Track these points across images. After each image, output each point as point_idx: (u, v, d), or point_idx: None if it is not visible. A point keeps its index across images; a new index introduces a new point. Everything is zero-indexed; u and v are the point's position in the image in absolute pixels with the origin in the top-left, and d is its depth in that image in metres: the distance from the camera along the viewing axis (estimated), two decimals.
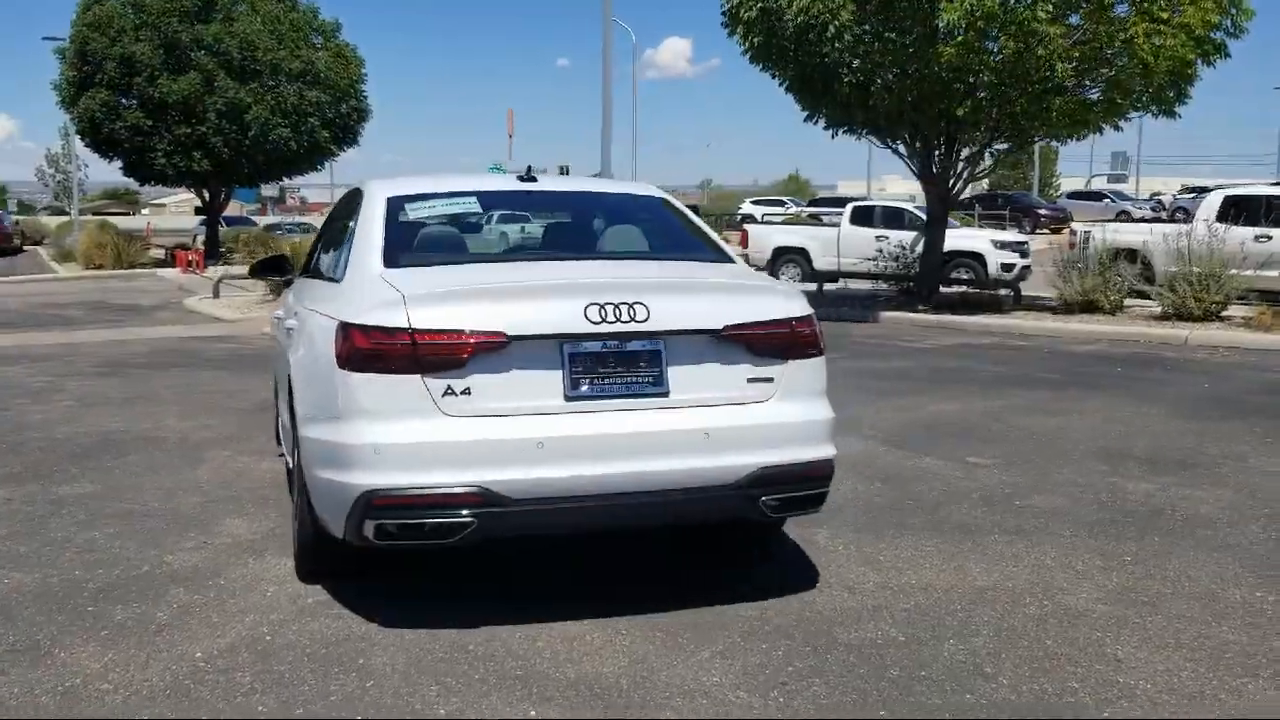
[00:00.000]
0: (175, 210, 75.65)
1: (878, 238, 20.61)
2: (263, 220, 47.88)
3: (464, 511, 3.80)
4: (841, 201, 35.87)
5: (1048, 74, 13.83)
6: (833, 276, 19.79)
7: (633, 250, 4.91)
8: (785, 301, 4.28)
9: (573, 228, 5.38)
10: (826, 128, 16.96)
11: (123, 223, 45.81)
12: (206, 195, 31.68)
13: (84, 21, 27.84)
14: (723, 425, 4.03)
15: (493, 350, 3.85)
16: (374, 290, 4.11)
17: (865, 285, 18.84)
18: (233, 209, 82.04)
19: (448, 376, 3.84)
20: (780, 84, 16.03)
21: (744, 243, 24.09)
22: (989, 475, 6.40)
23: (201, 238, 32.36)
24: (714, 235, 5.04)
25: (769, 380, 4.16)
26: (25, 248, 40.88)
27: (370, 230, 4.64)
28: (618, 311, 3.93)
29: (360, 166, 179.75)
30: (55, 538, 5.22)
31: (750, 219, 41.99)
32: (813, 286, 18.95)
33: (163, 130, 28.06)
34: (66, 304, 19.50)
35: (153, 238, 35.65)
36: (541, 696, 3.51)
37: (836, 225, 23.18)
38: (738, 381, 4.12)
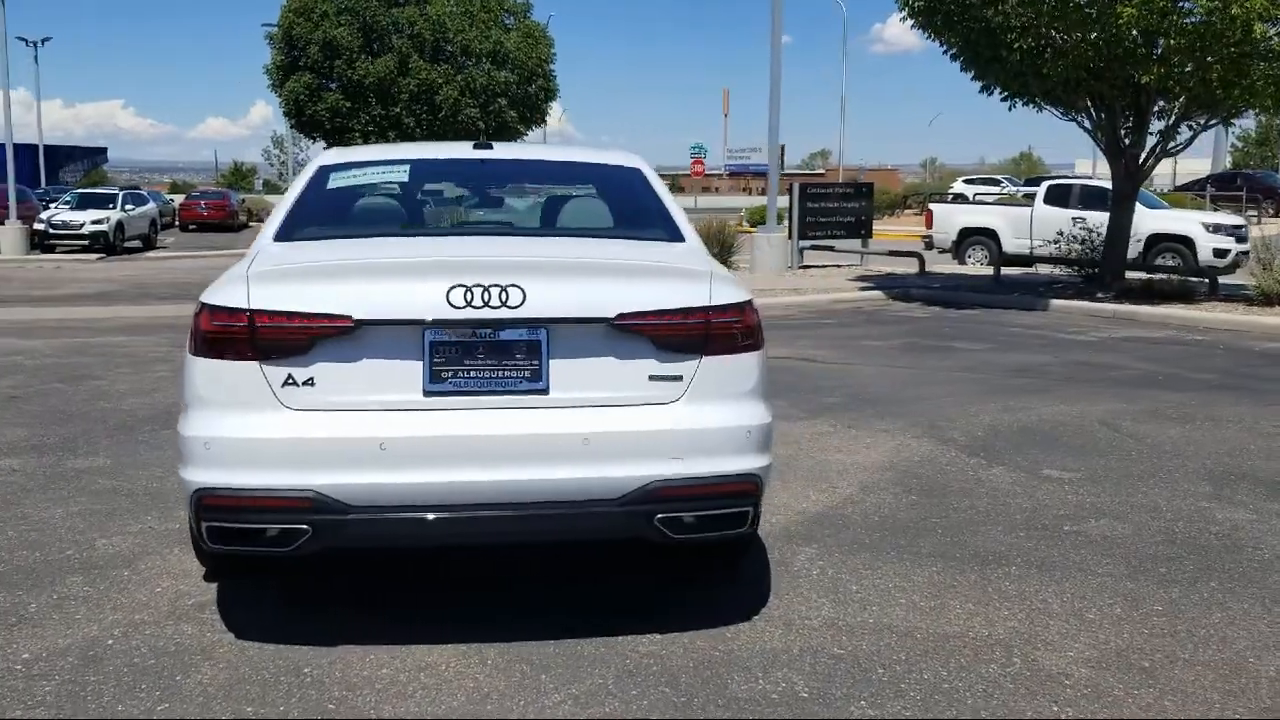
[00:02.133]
0: None
1: (1074, 219, 18.99)
2: None
3: (300, 518, 3.35)
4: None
5: (1244, 35, 12.18)
6: (1026, 260, 18.28)
7: (577, 227, 4.34)
8: (700, 287, 3.60)
9: (520, 201, 4.84)
10: (1004, 99, 15.62)
11: None
12: None
13: (291, 8, 29.07)
14: (608, 430, 3.43)
15: (340, 336, 3.38)
16: (243, 266, 3.72)
17: (1055, 270, 17.37)
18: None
19: (289, 364, 3.39)
20: (945, 51, 14.85)
21: (928, 223, 22.83)
22: (1055, 492, 5.48)
23: None
24: (677, 213, 4.37)
25: (676, 379, 3.52)
26: (251, 224, 43.35)
27: (285, 200, 4.27)
28: (487, 295, 3.38)
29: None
30: (15, 514, 5.11)
31: (962, 198, 39.96)
32: (986, 270, 17.64)
33: (360, 111, 29.00)
34: None
35: None
36: None
37: (1029, 205, 21.62)
38: (637, 380, 3.50)
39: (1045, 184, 21.90)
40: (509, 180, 4.97)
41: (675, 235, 4.18)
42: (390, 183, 4.55)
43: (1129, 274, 15.44)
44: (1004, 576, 4.27)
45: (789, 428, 6.99)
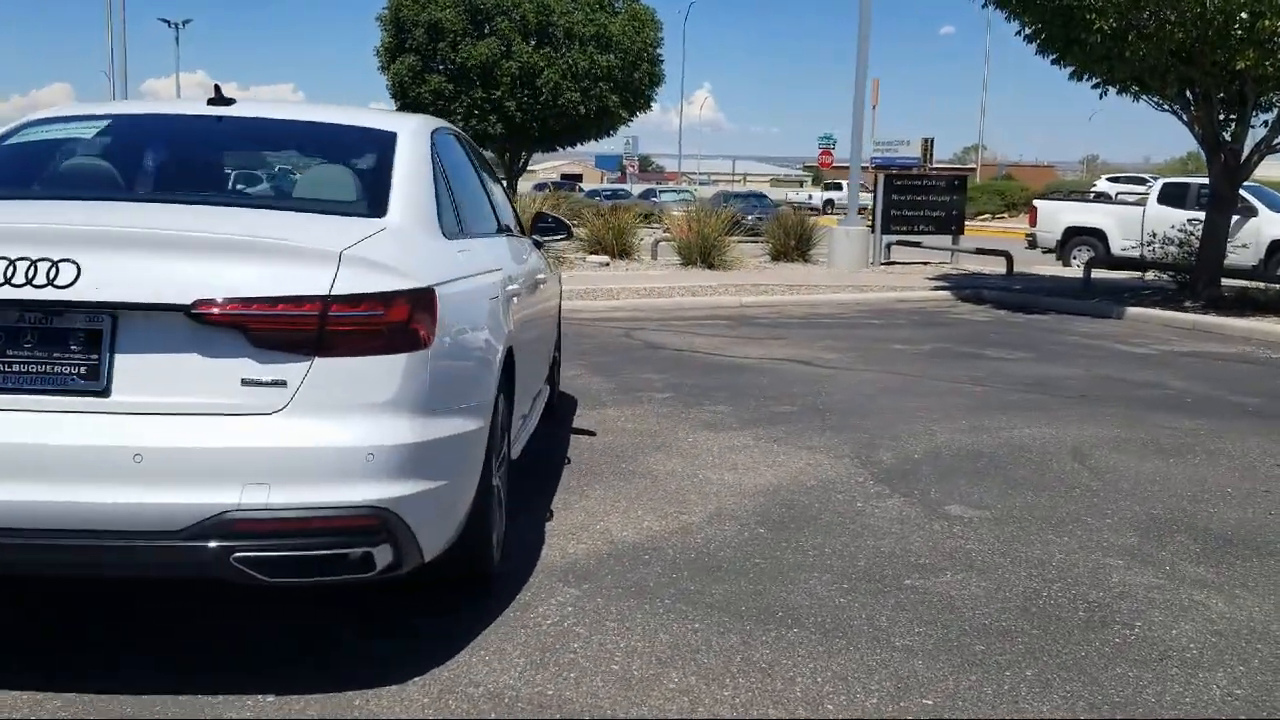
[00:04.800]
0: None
1: (1189, 220, 17.39)
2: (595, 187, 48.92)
3: None
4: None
5: None
6: (1136, 264, 16.42)
7: (267, 197, 3.75)
8: (319, 271, 2.88)
9: (218, 165, 4.19)
10: (1094, 86, 14.24)
11: None
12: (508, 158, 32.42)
13: None
14: (169, 446, 2.77)
15: None
16: None
17: (1147, 276, 15.87)
18: (592, 179, 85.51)
19: None
20: (1019, 33, 13.60)
21: (1032, 220, 21.37)
22: (937, 534, 4.60)
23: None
24: (403, 185, 3.63)
25: (279, 385, 2.85)
26: None
27: None
28: (33, 271, 2.77)
29: (659, 133, 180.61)
30: None
31: (1104, 197, 37.63)
32: (1079, 273, 16.23)
33: (462, 95, 28.92)
34: None
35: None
36: None
37: (1141, 204, 19.99)
38: (228, 384, 2.84)
39: (1160, 182, 20.20)
40: (245, 141, 4.32)
41: (377, 210, 3.49)
42: (81, 139, 3.99)
43: (1239, 283, 13.90)
44: (773, 641, 3.46)
45: (708, 438, 6.24)
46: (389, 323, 2.94)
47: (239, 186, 3.88)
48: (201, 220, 3.31)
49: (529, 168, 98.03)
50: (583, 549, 4.28)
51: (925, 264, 19.43)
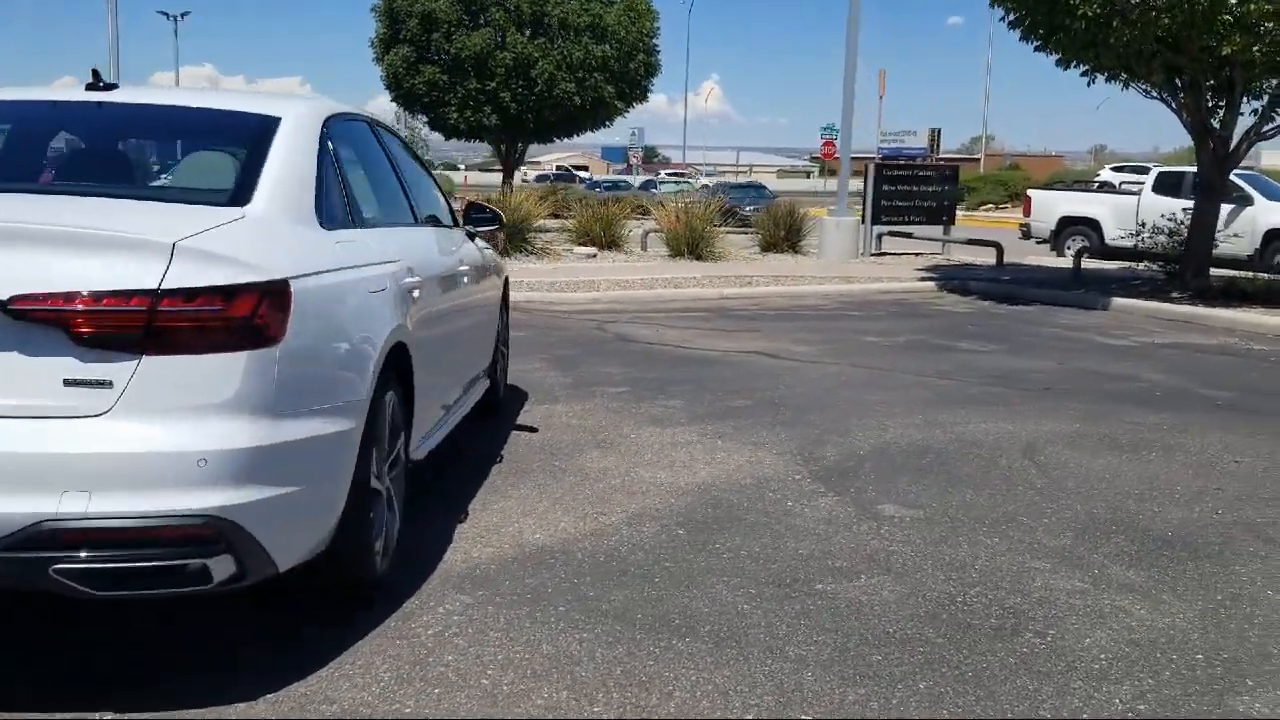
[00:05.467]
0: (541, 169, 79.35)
1: (1184, 210, 17.13)
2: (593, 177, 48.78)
3: None
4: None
5: None
6: (1128, 254, 16.09)
7: (123, 185, 3.56)
8: (148, 264, 2.71)
9: (85, 152, 4.02)
10: (1082, 74, 13.98)
11: (476, 179, 48.51)
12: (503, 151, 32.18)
13: None
14: None
15: None
16: None
17: (1138, 266, 15.66)
18: (599, 170, 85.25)
19: None
20: (1003, 19, 13.36)
21: (1026, 210, 21.15)
22: (862, 536, 4.43)
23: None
24: (274, 173, 3.44)
25: (104, 385, 2.69)
26: None
27: None
28: None
29: (665, 125, 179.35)
30: None
31: (1108, 186, 37.27)
32: (1071, 264, 16.00)
33: (456, 86, 28.70)
34: None
35: (462, 193, 37.02)
36: None
37: (1136, 193, 19.74)
38: (49, 384, 2.68)
39: (1155, 170, 19.94)
40: (122, 128, 4.14)
41: (241, 198, 3.31)
42: None
43: (1227, 273, 13.65)
44: (660, 652, 3.30)
45: (653, 434, 6.09)
46: (229, 318, 2.78)
47: (103, 175, 3.71)
48: (38, 210, 3.15)
49: (535, 160, 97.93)
50: (488, 553, 4.13)
51: (917, 255, 19.20)
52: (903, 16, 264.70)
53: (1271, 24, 11.33)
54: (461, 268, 5.06)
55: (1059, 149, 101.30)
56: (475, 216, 5.67)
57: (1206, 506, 4.94)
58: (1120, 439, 6.19)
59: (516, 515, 4.59)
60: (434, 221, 5.23)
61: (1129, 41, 11.96)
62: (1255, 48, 11.51)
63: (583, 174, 56.99)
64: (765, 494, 5.01)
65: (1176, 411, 7.01)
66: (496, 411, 6.43)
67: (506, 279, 6.71)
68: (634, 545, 4.25)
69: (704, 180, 50.38)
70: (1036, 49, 13.34)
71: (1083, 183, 36.57)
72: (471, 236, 5.67)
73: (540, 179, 45.09)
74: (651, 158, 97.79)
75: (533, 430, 6.15)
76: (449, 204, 5.69)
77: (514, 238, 17.36)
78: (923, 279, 15.54)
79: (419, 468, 4.28)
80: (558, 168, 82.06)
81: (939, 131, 64.41)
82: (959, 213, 40.72)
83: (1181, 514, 4.83)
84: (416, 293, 4.03)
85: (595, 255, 18.03)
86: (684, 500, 4.87)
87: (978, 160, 75.81)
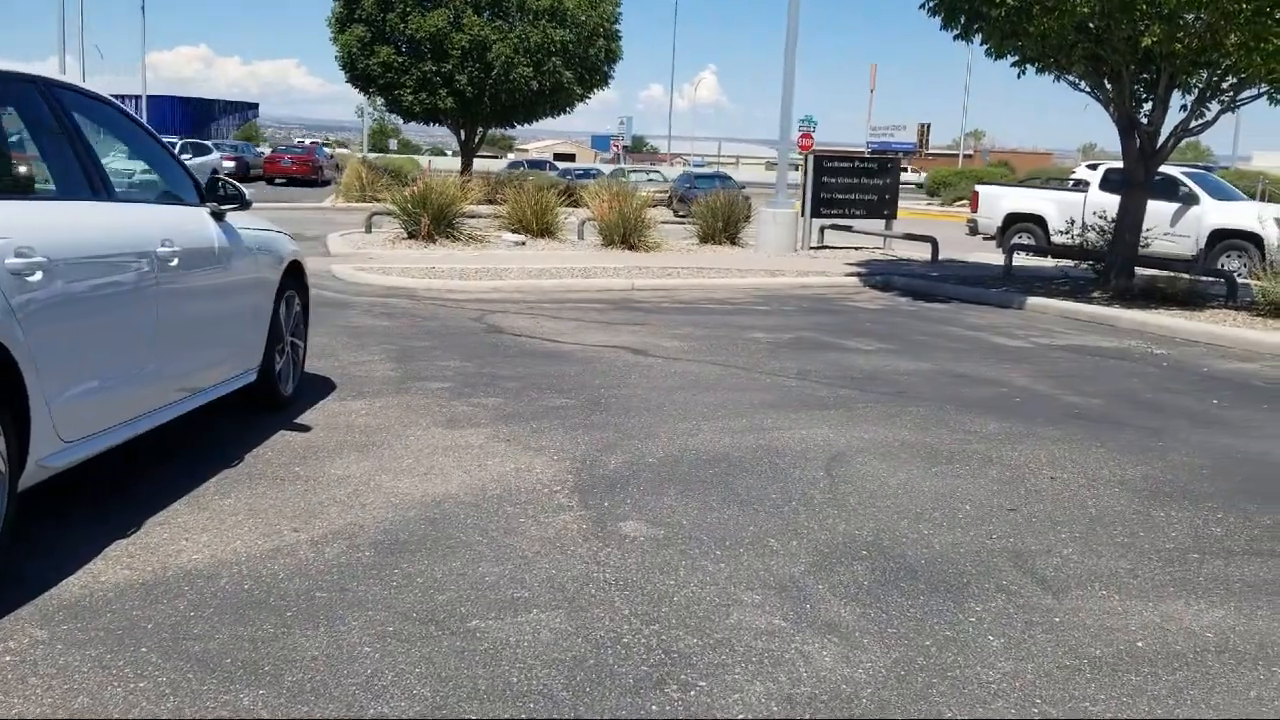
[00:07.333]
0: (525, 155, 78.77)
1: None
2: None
3: None
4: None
5: None
6: (1056, 250, 15.63)
7: None
8: None
9: None
10: (1013, 65, 13.46)
11: (445, 164, 47.81)
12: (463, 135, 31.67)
13: None
14: None
15: None
16: None
17: (1064, 264, 15.21)
18: (585, 158, 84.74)
19: None
20: (922, 6, 12.83)
21: (974, 206, 20.66)
22: (574, 559, 3.93)
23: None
24: None
25: None
26: (337, 179, 43.28)
27: None
28: None
29: (659, 115, 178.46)
30: None
31: (1083, 185, 36.71)
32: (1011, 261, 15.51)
33: (412, 67, 28.17)
34: None
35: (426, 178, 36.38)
36: None
37: (1083, 190, 19.25)
38: None
39: (1103, 168, 19.44)
40: None
41: None
42: None
43: (1157, 273, 13.13)
44: (218, 708, 2.80)
45: (435, 436, 5.64)
46: None
47: None
48: None
49: (523, 146, 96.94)
50: (122, 576, 3.62)
51: (858, 249, 18.72)
52: (898, 14, 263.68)
53: (1192, 15, 10.84)
54: (171, 249, 4.53)
55: (1051, 147, 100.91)
56: (219, 195, 5.17)
57: (984, 530, 4.45)
58: (942, 450, 5.71)
59: (195, 530, 4.09)
60: (171, 199, 4.77)
61: (1047, 32, 11.44)
62: (1177, 40, 11.02)
63: (562, 163, 56.26)
64: (503, 508, 4.51)
65: (1024, 420, 6.52)
66: (278, 409, 5.94)
67: (297, 264, 6.19)
68: (299, 570, 3.75)
69: (687, 168, 49.85)
70: (956, 38, 12.81)
71: (1058, 179, 36.09)
72: (218, 216, 5.17)
73: (514, 165, 44.43)
74: (640, 147, 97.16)
75: (305, 430, 5.65)
76: (194, 180, 5.18)
77: (438, 223, 16.85)
78: (849, 274, 15.05)
79: (101, 473, 3.79)
80: (555, 154, 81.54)
81: (928, 126, 63.84)
82: (935, 207, 40.17)
83: (951, 538, 4.33)
84: (34, 276, 3.51)
85: (524, 243, 17.50)
86: (403, 515, 4.37)
87: (971, 157, 75.30)
